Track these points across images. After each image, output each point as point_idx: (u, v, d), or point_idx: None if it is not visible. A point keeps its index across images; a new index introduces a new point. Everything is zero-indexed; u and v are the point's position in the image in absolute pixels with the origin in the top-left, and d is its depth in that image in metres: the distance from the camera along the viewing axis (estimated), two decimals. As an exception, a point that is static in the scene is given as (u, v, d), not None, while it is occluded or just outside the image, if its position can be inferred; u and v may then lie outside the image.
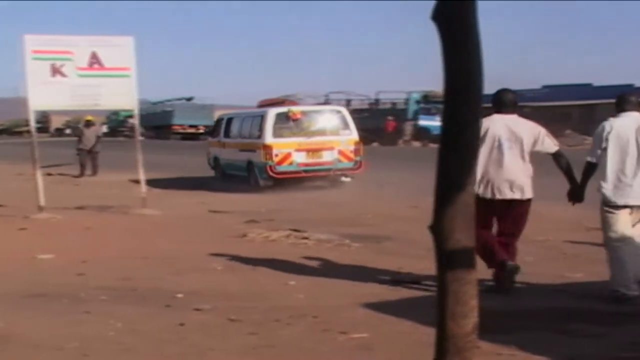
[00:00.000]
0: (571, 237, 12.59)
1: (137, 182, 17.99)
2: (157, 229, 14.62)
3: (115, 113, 76.43)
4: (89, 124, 31.19)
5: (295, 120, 22.22)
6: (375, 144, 52.62)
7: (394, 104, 60.12)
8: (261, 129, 22.07)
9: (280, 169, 21.64)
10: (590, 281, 9.49)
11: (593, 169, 8.80)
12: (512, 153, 8.88)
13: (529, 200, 9.06)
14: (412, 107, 56.67)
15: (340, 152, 21.95)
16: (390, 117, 55.31)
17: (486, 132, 8.79)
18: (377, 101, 61.60)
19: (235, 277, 10.18)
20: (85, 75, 16.71)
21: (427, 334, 6.45)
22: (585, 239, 12.15)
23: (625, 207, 8.57)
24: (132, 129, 34.19)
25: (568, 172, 9.03)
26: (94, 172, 29.67)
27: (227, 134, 25.52)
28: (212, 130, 29.10)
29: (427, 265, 10.00)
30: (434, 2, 3.25)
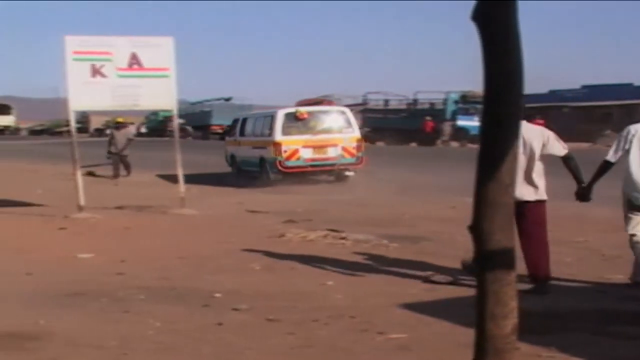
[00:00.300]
0: (611, 238, 12.45)
1: (164, 177, 18.30)
2: (195, 228, 14.66)
3: (155, 113, 76.91)
4: (119, 125, 30.67)
5: (302, 119, 24.28)
6: (413, 144, 52.51)
7: (432, 104, 59.89)
8: (272, 127, 24.15)
9: (288, 164, 23.66)
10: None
11: (608, 168, 9.08)
12: (523, 157, 9.01)
13: (543, 202, 9.27)
14: (451, 107, 56.41)
15: (344, 149, 23.92)
16: (428, 118, 55.11)
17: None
18: (415, 101, 61.41)
19: (273, 277, 10.19)
20: (124, 75, 16.79)
21: (466, 335, 6.42)
22: (626, 240, 12.03)
23: None
24: (183, 129, 34.76)
25: (576, 174, 9.31)
26: (128, 172, 28.91)
27: (242, 133, 27.48)
28: (229, 130, 31.13)
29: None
30: (474, 2, 3.23)
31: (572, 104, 57.62)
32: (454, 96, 57.34)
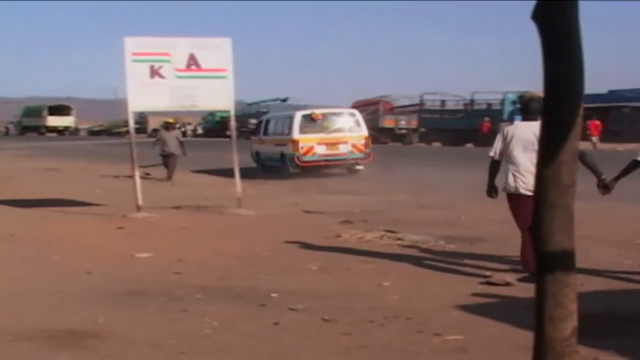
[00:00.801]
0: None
1: (199, 173, 18.50)
2: (252, 228, 14.72)
3: (211, 114, 77.47)
4: (168, 126, 29.38)
5: (317, 120, 27.87)
6: (469, 145, 52.21)
7: (489, 104, 59.47)
8: (290, 127, 27.68)
9: (305, 159, 27.32)
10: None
11: (636, 167, 9.56)
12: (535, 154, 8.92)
13: None
14: (508, 108, 55.90)
15: (353, 145, 27.62)
16: (485, 118, 54.74)
17: (512, 138, 9.92)
18: (472, 102, 61.05)
19: (330, 278, 10.20)
20: (183, 76, 16.89)
21: (524, 337, 6.38)
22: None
23: None
24: (254, 130, 35.07)
25: (593, 169, 9.77)
26: (169, 176, 27.49)
27: (265, 132, 30.77)
28: (255, 130, 33.86)
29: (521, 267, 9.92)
30: (534, 1, 3.20)
31: (633, 104, 56.83)
32: (512, 96, 56.80)
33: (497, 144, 10.20)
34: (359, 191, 21.21)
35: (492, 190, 10.49)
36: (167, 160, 27.94)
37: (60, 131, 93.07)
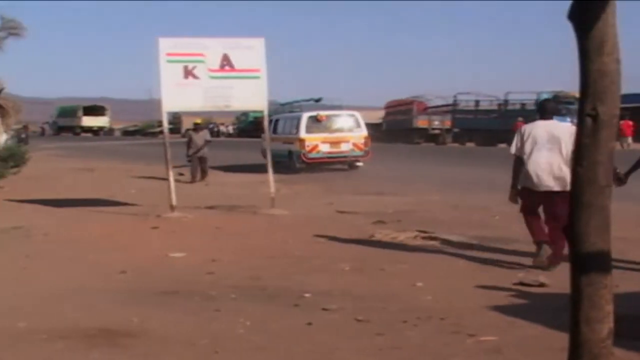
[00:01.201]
0: None
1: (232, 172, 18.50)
2: (285, 228, 14.73)
3: (245, 114, 77.62)
4: (197, 127, 29.23)
5: (321, 121, 30.62)
6: (502, 145, 51.94)
7: (523, 104, 59.15)
8: (298, 127, 30.46)
9: (310, 155, 30.13)
10: None
11: None
12: (552, 152, 10.45)
13: (568, 192, 9.27)
14: (542, 108, 55.63)
15: (354, 144, 30.45)
16: (520, 118, 54.41)
17: (529, 136, 10.66)
18: (506, 102, 60.74)
19: (363, 278, 10.19)
20: (216, 77, 16.93)
21: (559, 339, 6.34)
22: None
23: None
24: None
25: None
26: (203, 177, 27.50)
27: (274, 131, 31.68)
28: (271, 126, 34.99)
29: (558, 268, 9.87)
30: (570, 1, 3.18)
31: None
32: (546, 96, 56.48)
33: (517, 143, 10.84)
34: (392, 192, 21.15)
35: (515, 195, 11.14)
36: (197, 162, 27.67)
37: (95, 131, 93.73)
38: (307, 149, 30.00)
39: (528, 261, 10.90)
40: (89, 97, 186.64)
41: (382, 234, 13.54)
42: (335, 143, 30.28)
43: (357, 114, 32.67)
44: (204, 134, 28.93)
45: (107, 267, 11.01)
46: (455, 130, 62.71)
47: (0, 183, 23.98)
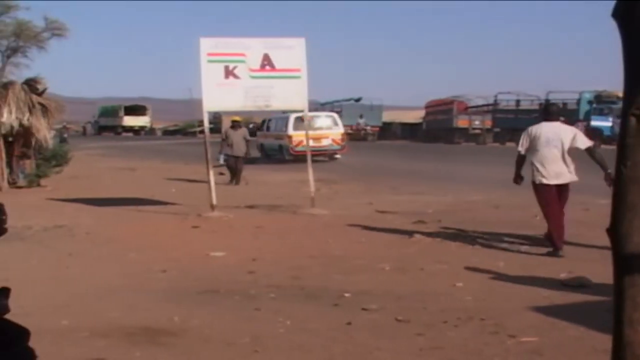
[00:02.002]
0: None
1: (271, 172, 18.49)
2: (325, 228, 14.73)
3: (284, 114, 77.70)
4: (235, 125, 26.90)
5: (304, 120, 32.84)
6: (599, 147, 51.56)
7: (564, 104, 58.73)
8: (286, 126, 36.39)
9: (297, 149, 34.79)
10: None
11: None
12: (557, 150, 11.98)
13: (569, 184, 12.21)
14: (584, 107, 55.19)
15: (333, 140, 36.78)
16: (561, 118, 53.99)
17: (538, 135, 12.09)
18: (547, 101, 60.34)
19: (403, 278, 10.17)
20: (257, 76, 16.95)
21: (601, 340, 6.30)
22: None
23: None
24: (259, 127, 44.73)
25: (601, 163, 11.67)
26: (237, 180, 25.78)
27: (267, 129, 40.49)
28: (259, 127, 44.70)
29: (599, 269, 9.78)
30: (614, 0, 3.14)
31: None
32: (588, 96, 56.07)
33: (524, 142, 12.34)
34: (432, 191, 21.09)
35: (518, 178, 12.67)
36: (233, 162, 26.14)
37: (136, 131, 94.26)
38: (294, 143, 35.84)
39: (569, 262, 10.83)
40: (130, 96, 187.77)
41: (422, 234, 13.51)
42: (317, 139, 34.38)
43: (335, 115, 40.10)
44: (243, 133, 27.25)
45: (148, 266, 11.09)
46: (496, 130, 62.37)
47: (43, 182, 24.22)
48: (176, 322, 7.92)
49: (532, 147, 12.16)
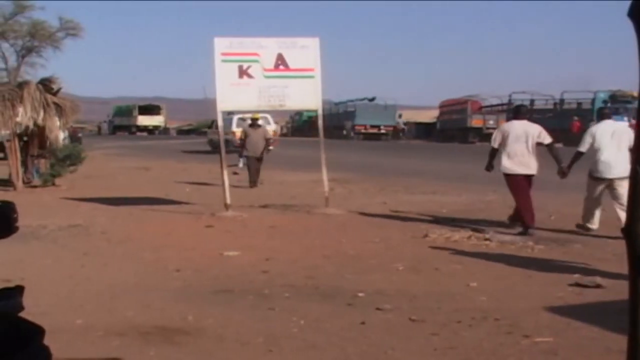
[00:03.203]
0: None
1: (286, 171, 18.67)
2: (339, 228, 14.74)
3: (299, 113, 77.79)
4: (255, 123, 25.48)
5: (245, 120, 36.61)
6: (559, 145, 51.41)
7: (579, 104, 58.57)
8: (231, 124, 41.73)
9: (239, 142, 35.81)
10: None
11: (579, 157, 13.90)
12: (526, 145, 13.94)
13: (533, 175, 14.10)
14: (599, 107, 54.97)
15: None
16: (575, 117, 53.84)
17: (509, 132, 14.16)
18: (561, 101, 60.19)
19: (417, 278, 10.17)
20: (271, 76, 16.96)
21: (616, 341, 6.29)
22: None
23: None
24: (210, 125, 51.55)
25: (557, 157, 14.14)
26: (253, 182, 24.04)
27: (216, 127, 43.04)
28: (210, 126, 51.74)
29: (614, 269, 9.77)
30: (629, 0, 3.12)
31: None
32: (603, 95, 55.86)
33: (497, 137, 14.31)
34: (446, 191, 21.06)
35: (490, 167, 14.69)
36: (254, 163, 24.52)
37: (150, 130, 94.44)
38: (237, 137, 41.09)
39: (585, 262, 10.82)
40: (144, 96, 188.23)
41: (436, 234, 13.50)
42: None
43: (268, 115, 44.79)
44: (263, 132, 25.71)
45: (162, 265, 11.11)
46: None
47: (57, 182, 24.29)
48: (190, 322, 7.93)
49: (504, 142, 14.07)
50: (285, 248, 12.53)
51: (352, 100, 79.17)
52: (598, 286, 9.26)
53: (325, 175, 17.63)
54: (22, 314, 3.17)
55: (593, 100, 56.05)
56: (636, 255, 3.34)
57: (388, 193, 21.56)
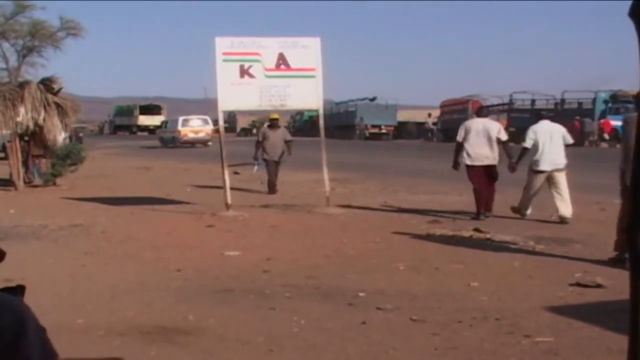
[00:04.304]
0: None
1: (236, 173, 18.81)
2: (340, 227, 14.74)
3: (300, 113, 77.84)
4: (274, 123, 23.06)
5: (188, 121, 59.65)
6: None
7: (580, 103, 58.51)
8: (177, 124, 58.55)
9: (183, 139, 57.55)
10: None
11: (525, 152, 15.73)
12: (486, 140, 15.89)
13: (495, 165, 16.02)
14: (600, 107, 54.95)
15: (205, 133, 57.86)
16: (577, 117, 53.77)
17: (471, 128, 16.10)
18: (562, 101, 60.11)
19: (418, 277, 10.17)
20: (272, 76, 16.96)
21: (617, 341, 6.28)
22: None
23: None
24: (161, 124, 69.23)
25: (508, 153, 16.15)
26: (272, 188, 22.00)
27: (165, 127, 64.85)
28: (160, 127, 69.31)
29: (614, 269, 9.79)
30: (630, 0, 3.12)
31: None
32: (604, 95, 55.82)
33: (462, 133, 16.08)
34: (447, 191, 21.05)
35: (457, 165, 16.42)
36: (274, 166, 22.27)
37: (151, 130, 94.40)
38: (182, 135, 58.82)
39: (585, 262, 10.82)
40: (146, 96, 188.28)
41: (437, 234, 13.50)
42: (195, 132, 59.15)
43: (207, 117, 58.68)
44: (283, 133, 23.36)
45: (163, 265, 11.12)
46: (511, 129, 62.13)
47: (58, 181, 24.30)
48: (191, 321, 7.93)
49: (467, 138, 15.93)
50: (286, 248, 12.53)
51: (353, 100, 79.17)
52: (599, 286, 9.25)
53: (326, 175, 17.63)
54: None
55: (594, 100, 56.01)
56: (637, 255, 3.34)
57: (389, 193, 21.57)
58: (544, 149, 15.13)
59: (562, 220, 14.77)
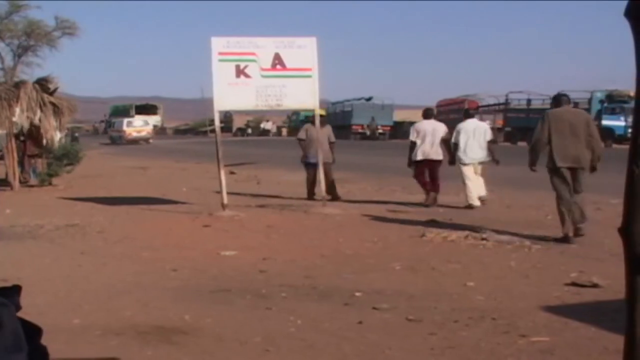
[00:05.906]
0: None
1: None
2: (337, 227, 14.74)
3: (296, 113, 77.85)
4: (322, 121, 18.97)
5: (132, 121, 74.47)
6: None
7: (576, 103, 58.50)
8: (122, 125, 72.33)
9: (128, 138, 70.06)
10: None
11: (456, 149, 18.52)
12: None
13: (441, 160, 18.63)
14: (596, 107, 54.98)
15: (147, 132, 72.85)
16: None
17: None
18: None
19: (414, 277, 10.17)
20: (268, 76, 16.94)
21: (613, 341, 6.29)
22: None
23: None
24: (108, 125, 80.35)
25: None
26: (334, 195, 19.59)
27: (112, 126, 78.52)
28: (108, 126, 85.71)
29: (611, 268, 9.78)
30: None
31: None
32: (599, 95, 55.85)
33: (414, 134, 18.67)
34: (444, 190, 21.04)
35: (410, 163, 18.78)
36: (311, 170, 19.72)
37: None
38: (127, 134, 69.49)
39: (580, 262, 10.82)
40: (142, 96, 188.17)
41: (433, 233, 13.50)
42: (139, 132, 70.70)
43: (148, 118, 74.64)
44: (328, 132, 20.36)
45: (160, 264, 11.11)
46: (507, 129, 62.26)
47: (55, 181, 24.29)
48: (188, 321, 7.93)
49: (419, 137, 18.52)
50: (282, 248, 12.53)
51: (349, 100, 79.21)
52: (595, 286, 9.26)
53: (322, 175, 17.64)
54: (20, 314, 3.17)
55: (590, 100, 56.01)
56: (633, 254, 3.35)
57: (386, 192, 21.58)
58: (468, 144, 17.92)
59: (481, 200, 17.86)
